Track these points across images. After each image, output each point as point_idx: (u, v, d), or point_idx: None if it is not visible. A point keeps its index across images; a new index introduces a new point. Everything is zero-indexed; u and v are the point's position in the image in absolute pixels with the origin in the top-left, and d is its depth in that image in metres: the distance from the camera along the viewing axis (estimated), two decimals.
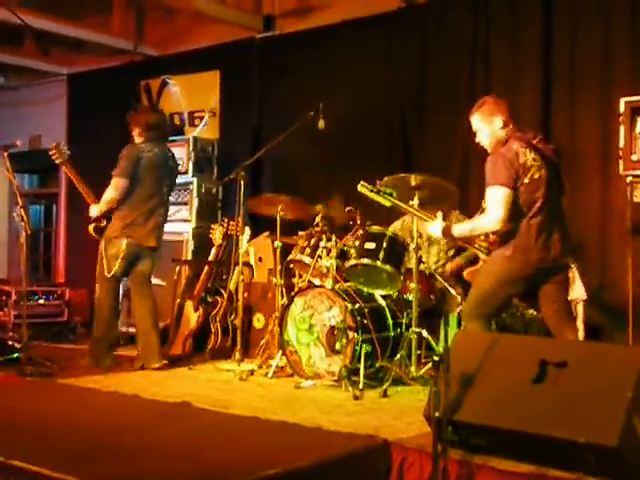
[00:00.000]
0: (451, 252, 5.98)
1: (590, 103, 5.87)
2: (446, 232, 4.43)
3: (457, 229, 4.45)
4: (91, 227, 5.85)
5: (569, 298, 4.77)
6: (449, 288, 5.41)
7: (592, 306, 5.38)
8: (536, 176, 4.18)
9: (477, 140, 4.44)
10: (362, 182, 4.77)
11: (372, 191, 4.74)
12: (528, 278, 4.25)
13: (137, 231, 5.71)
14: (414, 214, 4.75)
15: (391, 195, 4.73)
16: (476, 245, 4.53)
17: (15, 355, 5.53)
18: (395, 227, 6.04)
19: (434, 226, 4.48)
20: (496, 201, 4.15)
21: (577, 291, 5.21)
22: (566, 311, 4.41)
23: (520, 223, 4.18)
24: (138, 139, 5.86)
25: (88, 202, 5.84)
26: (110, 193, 5.73)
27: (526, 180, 4.16)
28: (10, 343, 6.01)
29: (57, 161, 5.95)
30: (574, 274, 5.14)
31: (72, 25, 8.05)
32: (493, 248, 4.35)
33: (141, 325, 5.87)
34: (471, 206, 5.90)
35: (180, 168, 7.44)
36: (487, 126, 4.36)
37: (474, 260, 5.35)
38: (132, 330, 7.36)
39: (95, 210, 5.80)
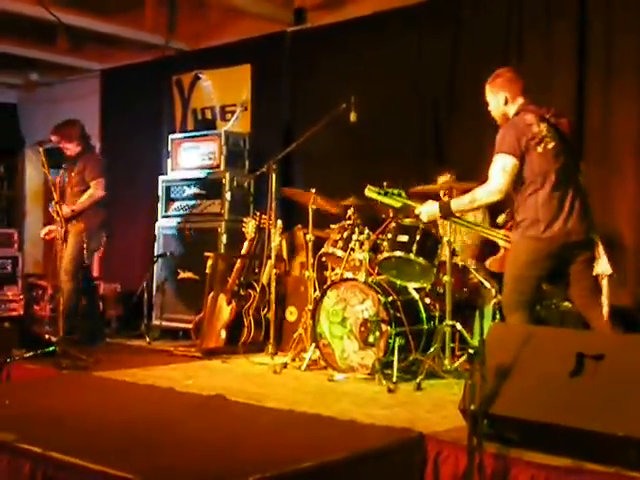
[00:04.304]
0: (476, 242, 5.94)
1: (626, 91, 5.77)
2: (444, 209, 4.42)
3: (455, 203, 4.43)
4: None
5: (593, 273, 4.70)
6: (483, 281, 5.36)
7: (626, 293, 5.29)
8: (550, 146, 4.16)
9: (489, 109, 4.47)
10: (369, 186, 4.74)
11: (380, 194, 4.71)
12: (554, 256, 4.19)
13: (108, 225, 6.58)
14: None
15: (400, 195, 4.72)
16: (494, 233, 4.49)
17: (51, 348, 5.59)
18: None
19: (429, 207, 4.49)
20: (499, 169, 4.15)
21: (602, 266, 5.10)
22: (593, 289, 4.35)
23: (536, 197, 4.15)
24: (76, 148, 6.58)
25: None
26: (99, 193, 6.44)
27: (539, 149, 4.14)
28: (47, 337, 6.09)
29: None
30: (599, 250, 5.05)
31: (104, 21, 8.09)
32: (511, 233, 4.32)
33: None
34: (504, 200, 5.84)
35: (212, 162, 7.55)
36: (493, 99, 4.42)
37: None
38: (165, 324, 7.46)
39: (69, 209, 6.31)
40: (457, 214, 4.52)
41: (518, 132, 4.16)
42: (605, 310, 4.80)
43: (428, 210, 4.54)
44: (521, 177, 4.19)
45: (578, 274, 4.28)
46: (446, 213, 4.47)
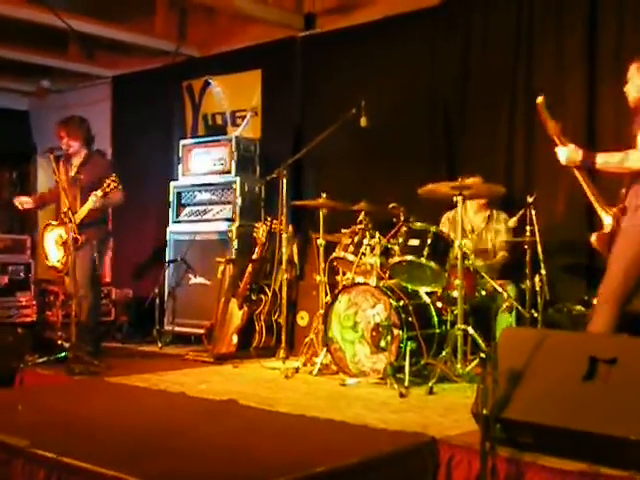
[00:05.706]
0: (503, 247, 5.90)
1: None
2: (588, 160, 4.26)
3: (602, 158, 4.24)
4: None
5: None
6: (495, 285, 5.34)
7: None
8: None
9: (624, 89, 4.35)
10: (544, 96, 4.52)
11: (548, 108, 4.49)
12: None
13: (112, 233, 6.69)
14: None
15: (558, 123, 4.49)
16: (605, 207, 4.34)
17: (63, 354, 5.61)
18: (444, 223, 6.02)
19: (571, 152, 4.33)
20: None
21: None
22: None
23: None
24: (79, 149, 6.25)
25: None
26: (121, 201, 6.21)
27: None
28: (59, 342, 6.11)
29: None
30: None
31: (115, 28, 8.15)
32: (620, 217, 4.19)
33: None
34: (516, 203, 5.83)
35: (223, 167, 7.57)
36: (638, 79, 4.27)
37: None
38: (177, 329, 7.47)
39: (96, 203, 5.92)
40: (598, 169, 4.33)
41: None
42: None
43: (570, 155, 4.35)
44: None
45: None
46: (588, 165, 4.30)
